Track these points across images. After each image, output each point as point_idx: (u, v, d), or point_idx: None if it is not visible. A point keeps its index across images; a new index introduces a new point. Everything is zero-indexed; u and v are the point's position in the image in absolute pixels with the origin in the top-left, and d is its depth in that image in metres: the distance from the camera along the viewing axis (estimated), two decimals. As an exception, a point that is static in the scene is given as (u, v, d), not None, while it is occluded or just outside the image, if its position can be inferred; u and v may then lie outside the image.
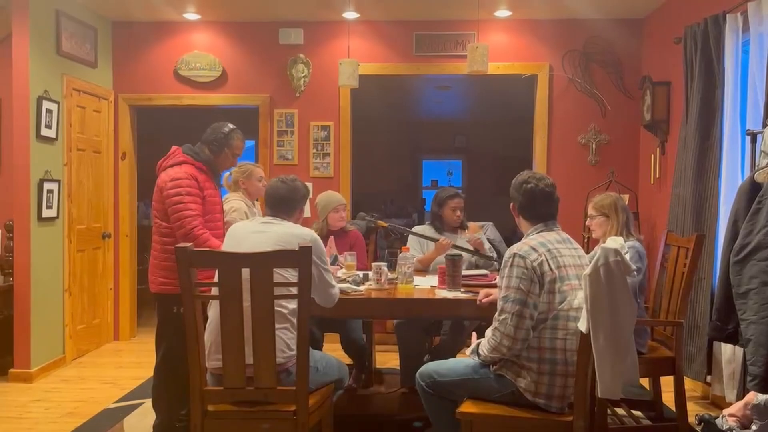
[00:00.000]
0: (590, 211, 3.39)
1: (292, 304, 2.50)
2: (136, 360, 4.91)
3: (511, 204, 2.64)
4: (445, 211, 4.02)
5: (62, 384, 4.34)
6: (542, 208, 2.56)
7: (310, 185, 4.46)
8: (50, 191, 4.53)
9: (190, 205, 3.01)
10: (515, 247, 2.46)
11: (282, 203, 2.78)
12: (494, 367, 2.49)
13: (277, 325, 2.40)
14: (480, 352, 2.53)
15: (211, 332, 2.55)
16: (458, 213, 4.01)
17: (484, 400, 2.51)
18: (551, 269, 2.39)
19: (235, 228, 2.79)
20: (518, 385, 2.43)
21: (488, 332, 2.48)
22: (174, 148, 3.21)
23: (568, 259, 2.46)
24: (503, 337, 2.39)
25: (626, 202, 5.00)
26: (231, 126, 3.26)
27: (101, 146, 5.28)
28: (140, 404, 3.85)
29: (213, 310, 2.57)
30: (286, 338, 2.50)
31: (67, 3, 4.77)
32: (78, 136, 4.92)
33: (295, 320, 2.48)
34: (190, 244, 2.42)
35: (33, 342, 4.37)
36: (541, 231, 2.53)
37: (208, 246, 2.97)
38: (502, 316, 2.39)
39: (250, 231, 2.69)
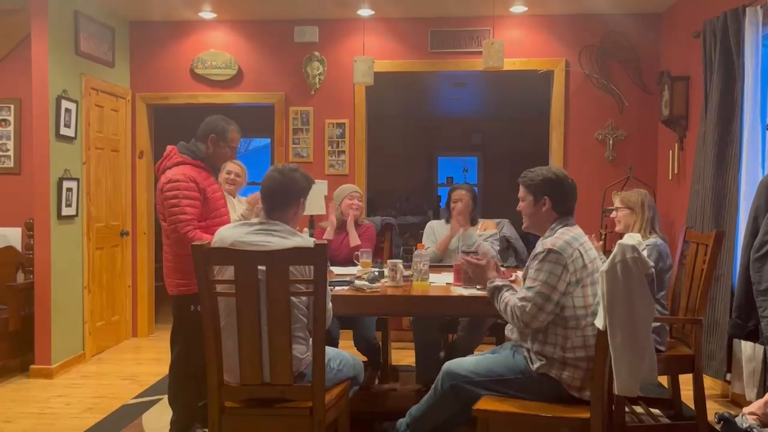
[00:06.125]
0: (616, 203, 3.43)
1: (298, 325, 2.47)
2: (154, 356, 4.96)
3: (544, 198, 2.56)
4: (449, 204, 4.17)
5: (82, 380, 4.40)
6: (574, 202, 2.63)
7: (325, 183, 4.44)
8: (69, 190, 4.58)
9: (186, 209, 2.96)
10: (549, 242, 2.47)
11: (274, 196, 2.57)
12: (535, 366, 2.49)
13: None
14: (499, 297, 2.56)
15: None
16: (455, 203, 4.09)
17: (517, 398, 2.50)
18: (585, 264, 2.44)
19: (223, 234, 2.58)
20: (564, 382, 2.44)
21: (513, 300, 2.49)
22: (170, 148, 3.14)
23: (592, 253, 2.52)
24: (518, 320, 2.47)
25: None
26: (225, 119, 3.17)
27: (119, 145, 5.33)
28: (159, 400, 3.88)
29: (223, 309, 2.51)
30: (295, 351, 2.45)
31: (86, 4, 4.82)
32: (96, 135, 4.97)
33: (301, 335, 2.48)
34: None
35: (53, 339, 4.43)
36: (566, 225, 2.55)
37: None
38: (523, 303, 2.44)
39: (239, 241, 2.48)
